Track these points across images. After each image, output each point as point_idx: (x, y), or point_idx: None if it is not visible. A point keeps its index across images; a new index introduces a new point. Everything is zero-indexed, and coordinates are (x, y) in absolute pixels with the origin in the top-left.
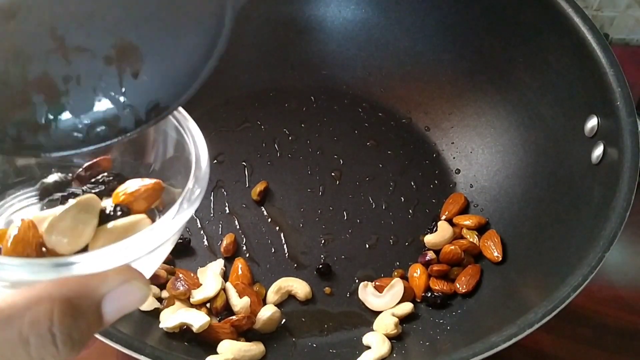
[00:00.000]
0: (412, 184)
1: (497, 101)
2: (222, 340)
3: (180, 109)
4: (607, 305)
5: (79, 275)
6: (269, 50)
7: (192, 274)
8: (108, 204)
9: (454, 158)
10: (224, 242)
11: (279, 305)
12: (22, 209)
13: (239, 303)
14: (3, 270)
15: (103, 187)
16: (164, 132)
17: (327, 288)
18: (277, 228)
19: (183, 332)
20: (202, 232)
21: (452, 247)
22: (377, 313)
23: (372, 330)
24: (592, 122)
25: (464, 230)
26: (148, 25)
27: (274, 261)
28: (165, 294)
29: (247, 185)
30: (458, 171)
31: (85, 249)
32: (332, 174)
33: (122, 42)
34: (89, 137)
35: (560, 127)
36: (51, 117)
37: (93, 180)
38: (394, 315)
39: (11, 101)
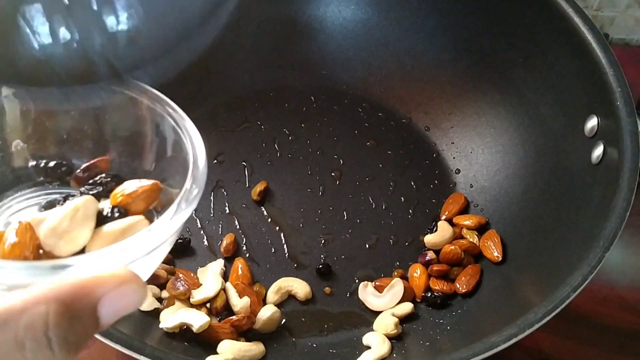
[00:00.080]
0: (412, 184)
1: (497, 101)
2: (222, 340)
3: (178, 109)
4: (607, 305)
5: (75, 278)
6: (269, 50)
7: (192, 274)
8: (106, 205)
9: (454, 158)
10: (224, 242)
11: (279, 305)
12: (20, 211)
13: (239, 303)
14: (0, 273)
15: (101, 189)
16: (161, 132)
17: (327, 288)
18: (277, 228)
19: (183, 332)
20: (202, 232)
21: (452, 247)
22: (377, 313)
23: (372, 330)
24: (592, 122)
25: (464, 230)
26: None
27: (274, 261)
28: (165, 294)
29: (247, 185)
30: (458, 171)
31: (83, 251)
32: (332, 174)
33: None
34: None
35: (560, 127)
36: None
37: (91, 181)
38: (394, 315)
39: None
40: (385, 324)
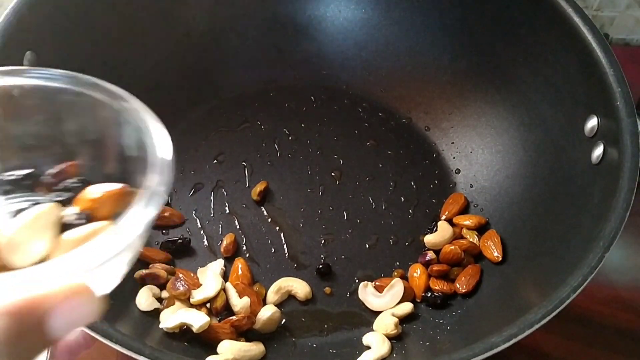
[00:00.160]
0: (412, 184)
1: (497, 101)
2: (222, 340)
3: (139, 103)
4: (607, 305)
5: (25, 291)
6: (269, 50)
7: (192, 274)
8: (71, 211)
9: (454, 158)
10: (224, 242)
11: (279, 305)
12: None
13: (239, 303)
14: None
15: (69, 194)
16: (126, 131)
17: (327, 288)
18: (277, 228)
19: (183, 332)
20: (202, 232)
21: (452, 247)
22: (377, 313)
23: (372, 330)
24: (592, 122)
25: (464, 230)
26: None
27: (274, 261)
28: (165, 294)
29: (247, 185)
30: (458, 171)
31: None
32: (332, 174)
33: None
34: None
35: (560, 127)
36: None
37: (58, 187)
38: (394, 315)
39: None
40: (385, 324)
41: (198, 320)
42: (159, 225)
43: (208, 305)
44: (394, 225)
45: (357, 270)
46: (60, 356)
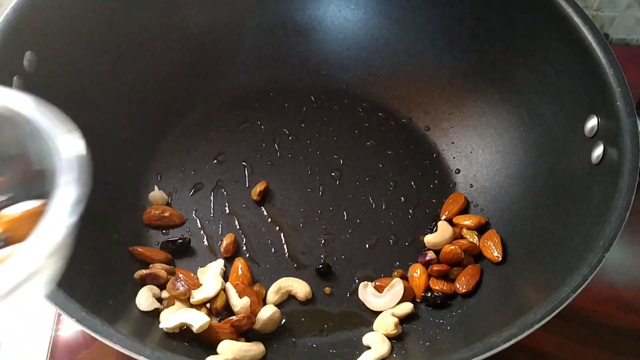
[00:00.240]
0: (412, 184)
1: (497, 101)
2: (222, 340)
3: (47, 111)
4: (607, 305)
5: None
6: (269, 50)
7: (192, 274)
8: None
9: (454, 158)
10: (224, 242)
11: (279, 305)
12: None
13: (239, 303)
14: None
15: None
16: (36, 144)
17: (327, 288)
18: (277, 228)
19: (183, 332)
20: (202, 232)
21: (452, 247)
22: (377, 313)
23: (372, 330)
24: (592, 122)
25: (464, 230)
26: None
27: (274, 261)
28: (165, 294)
29: (247, 185)
30: (458, 171)
31: None
32: (332, 174)
33: None
34: None
35: (560, 127)
36: None
37: None
38: (394, 315)
39: None
40: (385, 324)
41: (198, 320)
42: (159, 225)
43: (208, 305)
44: (394, 225)
45: (357, 270)
46: (60, 356)
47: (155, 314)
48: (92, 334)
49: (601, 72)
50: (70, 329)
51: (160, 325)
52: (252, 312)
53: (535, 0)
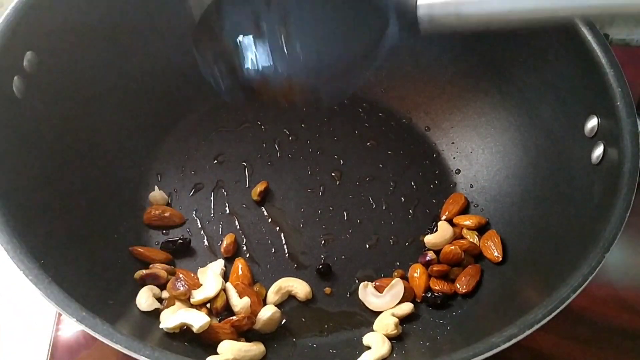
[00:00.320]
0: (412, 184)
1: (497, 101)
2: (222, 340)
3: None
4: (607, 305)
5: None
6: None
7: (192, 274)
8: None
9: (454, 158)
10: (224, 242)
11: (279, 305)
12: None
13: (239, 303)
14: None
15: None
16: None
17: (327, 288)
18: (277, 228)
19: (183, 333)
20: (202, 232)
21: (452, 247)
22: (377, 313)
23: (372, 330)
24: (592, 122)
25: (464, 230)
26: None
27: (274, 261)
28: (165, 294)
29: (247, 186)
30: (458, 171)
31: None
32: (332, 174)
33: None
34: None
35: (560, 127)
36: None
37: None
38: (394, 315)
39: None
40: (385, 324)
41: (198, 320)
42: (159, 225)
43: (208, 305)
44: (394, 225)
45: (357, 270)
46: (60, 356)
47: (155, 314)
48: (93, 333)
49: (601, 72)
50: (71, 329)
51: (161, 326)
52: (252, 312)
53: None
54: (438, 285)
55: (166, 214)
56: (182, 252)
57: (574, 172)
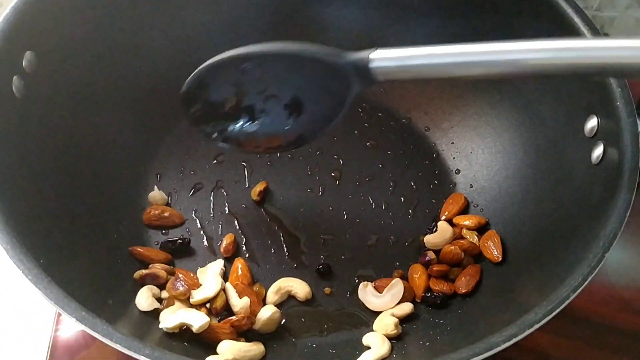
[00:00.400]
0: (412, 184)
1: (497, 101)
2: (222, 340)
3: None
4: (607, 305)
5: None
6: None
7: (191, 274)
8: None
9: (454, 158)
10: (224, 242)
11: (279, 305)
12: None
13: (239, 303)
14: None
15: None
16: None
17: (327, 288)
18: (277, 228)
19: (183, 333)
20: (201, 232)
21: (452, 247)
22: (377, 313)
23: (372, 330)
24: (592, 122)
25: (464, 231)
26: (311, 95)
27: (274, 261)
28: (165, 294)
29: (247, 185)
30: (458, 171)
31: None
32: (332, 174)
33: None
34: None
35: (560, 127)
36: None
37: None
38: (393, 315)
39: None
40: (385, 324)
41: (198, 320)
42: (159, 225)
43: (208, 305)
44: (394, 225)
45: (357, 270)
46: (60, 356)
47: (155, 314)
48: (92, 333)
49: None
50: (70, 329)
51: (160, 325)
52: (252, 312)
53: (535, 1)
54: (438, 285)
55: (166, 214)
56: (181, 252)
57: (574, 172)
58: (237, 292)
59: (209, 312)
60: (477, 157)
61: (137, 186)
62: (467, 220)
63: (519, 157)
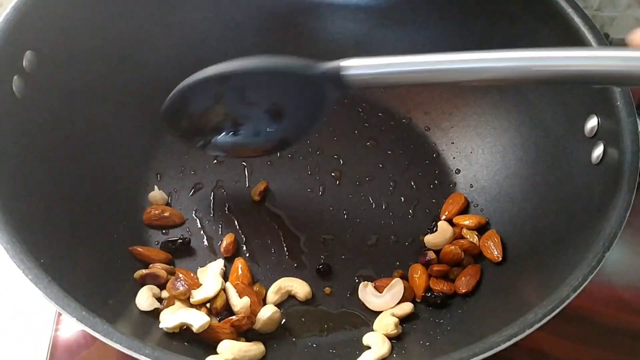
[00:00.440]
0: (412, 184)
1: (497, 101)
2: (222, 340)
3: None
4: (607, 305)
5: None
6: (269, 50)
7: (192, 274)
8: None
9: (454, 158)
10: (224, 242)
11: (279, 305)
12: None
13: (239, 303)
14: None
15: None
16: None
17: (327, 288)
18: (277, 228)
19: (183, 332)
20: (201, 232)
21: (452, 247)
22: (377, 313)
23: (372, 330)
24: (592, 122)
25: (464, 230)
26: (291, 104)
27: (274, 261)
28: (165, 294)
29: (247, 185)
30: (458, 171)
31: None
32: (332, 174)
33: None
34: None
35: (560, 127)
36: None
37: None
38: (394, 315)
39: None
40: (385, 324)
41: (198, 320)
42: (159, 225)
43: (208, 305)
44: (394, 225)
45: (357, 270)
46: (60, 356)
47: (155, 313)
48: (92, 333)
49: None
50: (70, 329)
51: (160, 325)
52: (252, 312)
53: (536, 1)
54: (438, 285)
55: (166, 214)
56: (181, 252)
57: (574, 172)
58: (237, 292)
59: (209, 312)
60: (477, 157)
61: (137, 186)
62: (467, 220)
63: (519, 157)
